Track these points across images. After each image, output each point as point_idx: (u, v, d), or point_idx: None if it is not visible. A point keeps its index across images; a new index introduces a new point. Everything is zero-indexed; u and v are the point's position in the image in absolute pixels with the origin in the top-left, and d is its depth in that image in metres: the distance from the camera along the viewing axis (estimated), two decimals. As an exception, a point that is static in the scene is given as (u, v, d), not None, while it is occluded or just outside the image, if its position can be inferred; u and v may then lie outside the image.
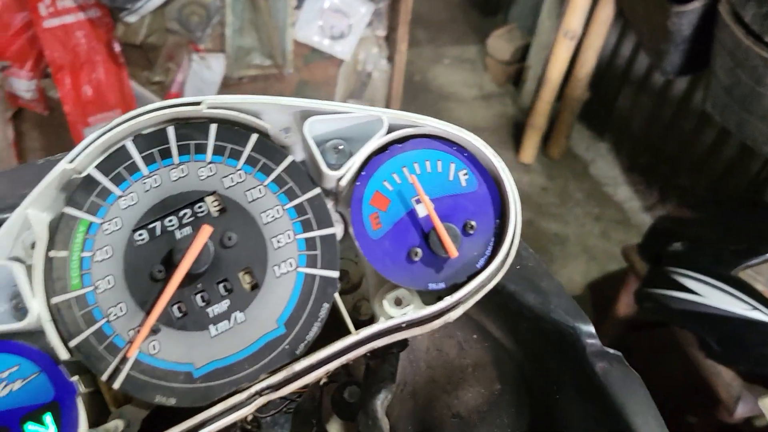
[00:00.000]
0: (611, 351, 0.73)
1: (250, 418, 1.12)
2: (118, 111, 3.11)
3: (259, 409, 0.98)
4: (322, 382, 0.74)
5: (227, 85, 3.20)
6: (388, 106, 3.47)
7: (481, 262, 0.68)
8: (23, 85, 3.07)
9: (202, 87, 3.19)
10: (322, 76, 3.27)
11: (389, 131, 0.69)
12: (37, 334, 0.64)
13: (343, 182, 0.68)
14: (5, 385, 0.61)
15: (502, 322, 0.81)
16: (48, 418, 0.61)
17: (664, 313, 2.43)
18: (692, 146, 3.70)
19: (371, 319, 0.73)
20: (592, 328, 0.73)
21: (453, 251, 0.66)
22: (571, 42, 3.90)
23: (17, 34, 2.98)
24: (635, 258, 2.73)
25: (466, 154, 0.69)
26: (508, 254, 0.67)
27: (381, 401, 0.74)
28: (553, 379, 0.77)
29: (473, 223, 0.68)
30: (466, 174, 0.69)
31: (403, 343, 0.79)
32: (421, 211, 0.68)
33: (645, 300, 2.52)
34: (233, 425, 0.75)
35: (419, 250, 0.67)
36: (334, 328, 0.67)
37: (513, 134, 4.45)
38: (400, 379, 0.91)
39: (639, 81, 4.02)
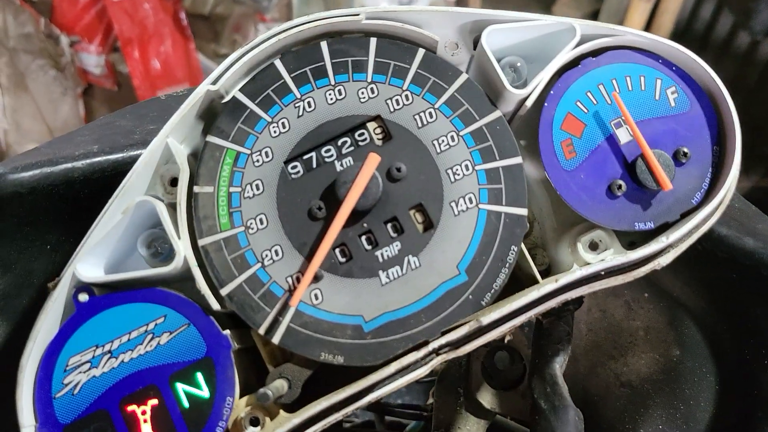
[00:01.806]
0: None
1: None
2: (186, 84, 3.07)
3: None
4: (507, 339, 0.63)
5: (294, 56, 3.12)
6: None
7: (698, 196, 0.56)
8: (92, 60, 3.06)
9: (269, 58, 3.12)
10: (391, 44, 3.16)
11: (580, 43, 0.58)
12: (182, 281, 0.56)
13: (529, 103, 0.57)
14: (151, 338, 0.53)
15: (691, 276, 0.69)
16: (200, 376, 0.53)
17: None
18: (780, 113, 3.45)
19: (548, 270, 0.63)
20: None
21: (666, 183, 0.54)
22: (647, 5, 3.68)
23: (86, 8, 2.97)
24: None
25: (674, 69, 0.58)
26: (730, 188, 0.56)
27: (560, 365, 0.64)
28: (762, 340, 0.65)
29: (686, 150, 0.56)
30: (675, 92, 0.57)
31: (579, 300, 0.68)
32: (624, 136, 0.56)
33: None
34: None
35: (622, 183, 0.56)
36: (507, 283, 0.56)
37: (584, 105, 4.25)
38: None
39: (720, 45, 3.77)
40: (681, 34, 3.99)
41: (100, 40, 3.01)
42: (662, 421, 0.73)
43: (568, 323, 0.66)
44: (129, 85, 3.08)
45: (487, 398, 0.77)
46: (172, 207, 0.56)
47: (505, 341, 0.58)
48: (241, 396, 0.55)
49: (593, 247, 0.57)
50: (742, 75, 3.73)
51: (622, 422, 0.76)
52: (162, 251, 0.58)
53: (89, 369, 0.53)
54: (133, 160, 0.59)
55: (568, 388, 0.67)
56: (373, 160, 0.53)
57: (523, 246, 0.57)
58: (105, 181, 0.60)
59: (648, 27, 3.79)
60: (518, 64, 0.59)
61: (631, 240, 0.59)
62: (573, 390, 0.74)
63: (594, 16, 4.37)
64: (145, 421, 0.52)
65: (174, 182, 0.57)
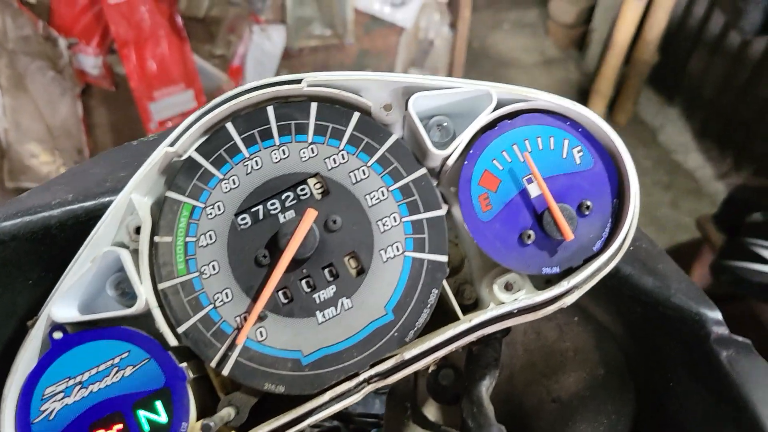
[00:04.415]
0: (740, 339, 0.68)
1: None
2: (181, 85, 3.14)
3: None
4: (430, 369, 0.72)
5: (288, 57, 3.19)
6: (450, 74, 3.39)
7: (598, 244, 0.64)
8: (90, 61, 3.12)
9: (263, 59, 3.19)
10: (383, 45, 3.21)
11: (498, 106, 0.65)
12: (144, 320, 0.64)
13: (450, 161, 0.64)
14: (117, 371, 0.61)
15: (608, 306, 0.76)
16: (159, 404, 0.61)
17: (742, 286, 2.32)
18: (769, 112, 3.50)
19: (475, 304, 0.71)
20: (718, 315, 0.68)
21: (569, 233, 0.62)
22: (640, 2, 3.72)
23: (83, 11, 3.03)
24: (711, 229, 2.61)
25: (580, 130, 0.65)
26: (626, 236, 0.63)
27: (486, 387, 0.71)
28: (667, 367, 0.73)
29: (589, 203, 0.63)
30: (580, 151, 0.65)
31: (506, 329, 0.76)
32: (534, 190, 0.64)
33: (722, 273, 2.41)
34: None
35: (532, 233, 0.63)
36: (437, 315, 0.64)
37: (576, 101, 4.27)
38: (496, 362, 0.88)
39: (713, 43, 3.81)
40: (674, 32, 4.03)
41: (97, 42, 3.08)
42: (588, 434, 0.81)
43: (495, 350, 0.74)
44: (126, 86, 3.16)
45: (432, 412, 0.85)
46: (136, 252, 0.64)
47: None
48: (198, 418, 0.63)
49: (508, 287, 0.65)
50: (733, 73, 3.77)
51: (553, 434, 0.84)
52: (128, 291, 0.65)
53: (63, 398, 0.61)
54: (104, 206, 0.67)
55: (506, 403, 0.75)
56: (311, 215, 0.61)
57: (446, 284, 0.65)
58: (79, 227, 0.68)
59: (641, 24, 3.83)
60: (445, 124, 0.66)
61: (546, 279, 0.66)
62: (509, 405, 0.82)
63: (590, 11, 4.42)
64: (111, 443, 0.60)
65: (138, 230, 0.64)
